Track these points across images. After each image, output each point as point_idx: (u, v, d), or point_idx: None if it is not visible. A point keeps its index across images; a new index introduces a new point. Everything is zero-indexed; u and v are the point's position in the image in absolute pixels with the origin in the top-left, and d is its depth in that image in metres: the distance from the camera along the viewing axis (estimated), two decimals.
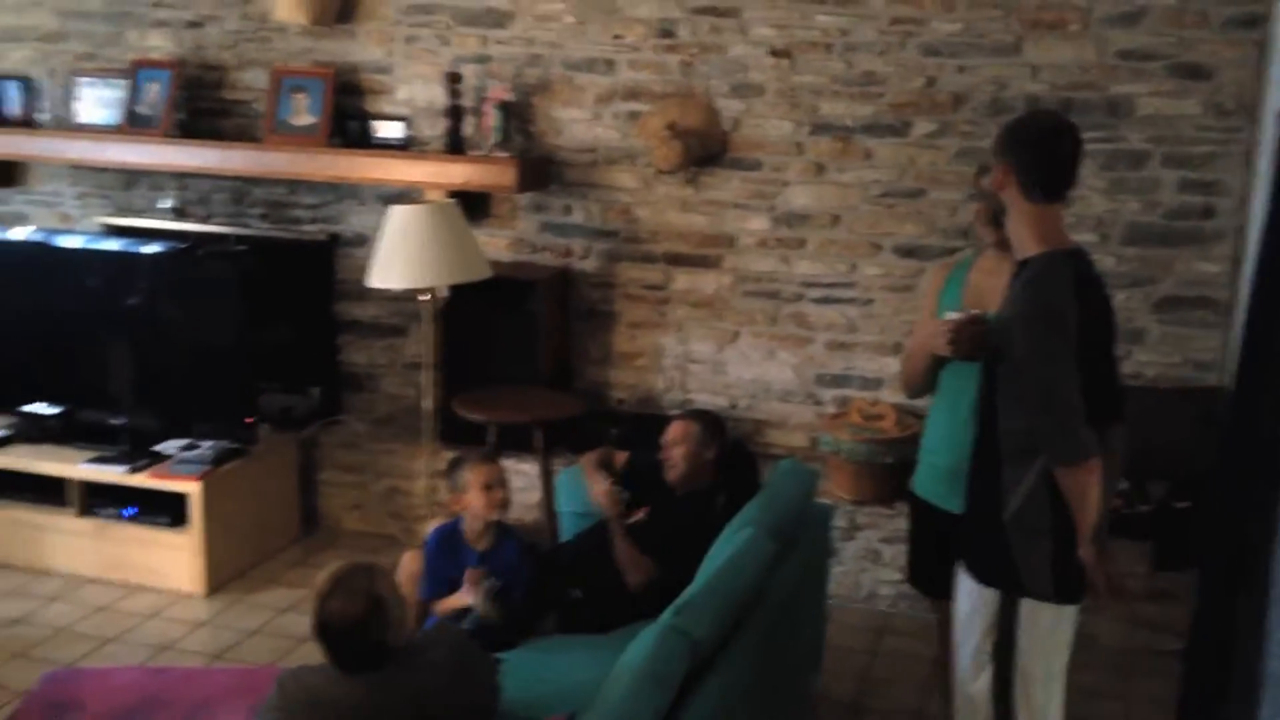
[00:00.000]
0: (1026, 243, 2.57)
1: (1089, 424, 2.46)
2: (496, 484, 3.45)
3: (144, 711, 3.27)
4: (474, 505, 3.44)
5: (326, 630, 2.45)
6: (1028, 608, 2.55)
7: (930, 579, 3.18)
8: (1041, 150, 2.54)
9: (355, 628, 2.43)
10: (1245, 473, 2.59)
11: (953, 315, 2.84)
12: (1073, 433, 2.44)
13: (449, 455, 4.71)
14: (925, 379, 3.07)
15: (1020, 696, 2.59)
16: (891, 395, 4.39)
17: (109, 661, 4.00)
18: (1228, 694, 2.52)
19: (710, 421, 3.77)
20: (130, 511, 4.60)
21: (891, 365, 4.39)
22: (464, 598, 3.37)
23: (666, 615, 2.74)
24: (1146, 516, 3.82)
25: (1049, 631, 2.57)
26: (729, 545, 3.17)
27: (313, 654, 2.59)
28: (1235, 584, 2.54)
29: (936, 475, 3.05)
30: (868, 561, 4.54)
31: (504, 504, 3.47)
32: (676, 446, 3.67)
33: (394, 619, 2.49)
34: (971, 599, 2.65)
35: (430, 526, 3.92)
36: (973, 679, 2.66)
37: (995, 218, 2.79)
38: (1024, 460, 2.52)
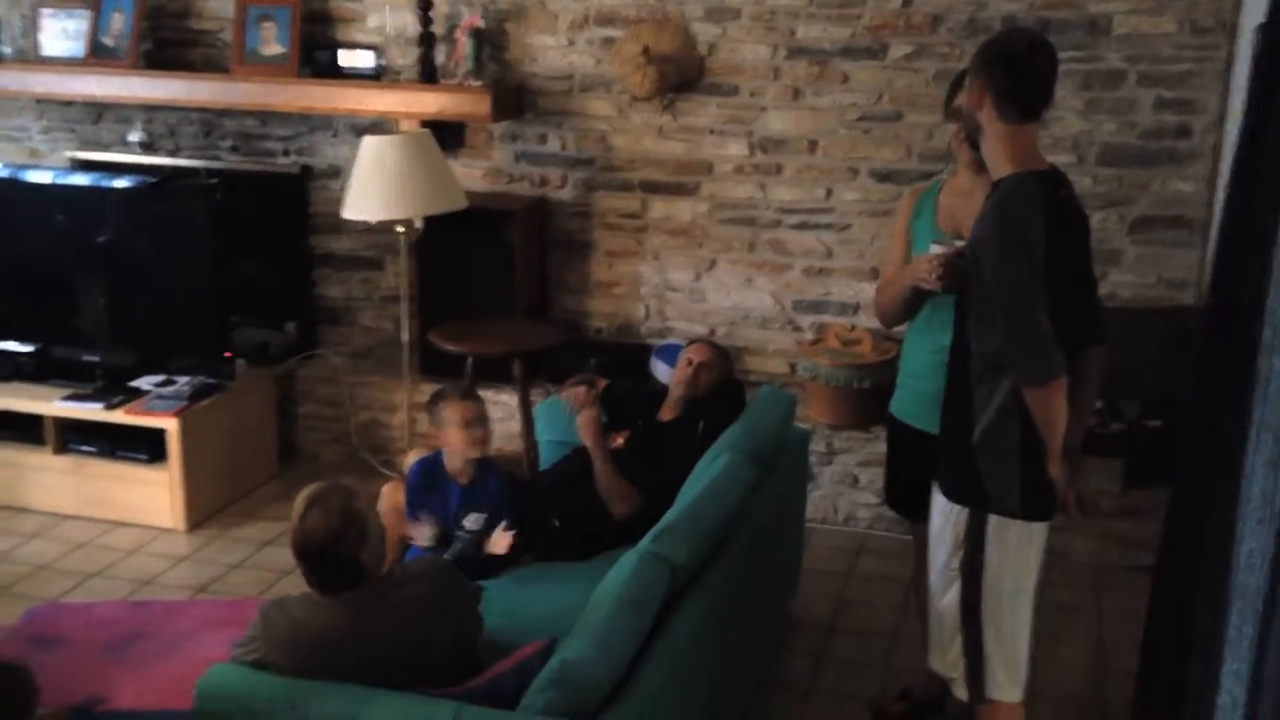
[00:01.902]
0: (1000, 163, 2.56)
1: (1064, 346, 2.46)
2: (475, 422, 3.43)
3: (127, 644, 3.30)
4: (452, 442, 3.43)
5: (304, 547, 2.47)
6: (996, 524, 2.58)
7: (907, 500, 3.21)
8: (1016, 69, 2.52)
9: (331, 542, 2.45)
10: (1215, 390, 2.61)
11: (938, 248, 2.82)
12: (1039, 354, 2.44)
13: (427, 388, 4.72)
14: (905, 310, 3.05)
15: (988, 611, 2.63)
16: (869, 320, 4.39)
17: (91, 597, 4.01)
18: (1197, 607, 2.56)
19: (722, 349, 3.88)
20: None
21: (868, 290, 4.38)
22: (414, 533, 3.39)
23: (646, 541, 2.77)
24: (1119, 435, 3.85)
25: (1017, 548, 2.60)
26: (708, 471, 3.20)
27: (296, 586, 2.61)
28: (1205, 499, 2.57)
29: (921, 400, 3.04)
30: (845, 485, 4.58)
31: (483, 442, 3.46)
32: (708, 371, 3.72)
33: (371, 537, 2.52)
34: (942, 516, 2.68)
35: (410, 458, 3.93)
36: (942, 594, 2.70)
37: (971, 138, 2.77)
38: (994, 380, 2.53)
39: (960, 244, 2.78)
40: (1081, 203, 2.69)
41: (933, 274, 2.78)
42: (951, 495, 2.66)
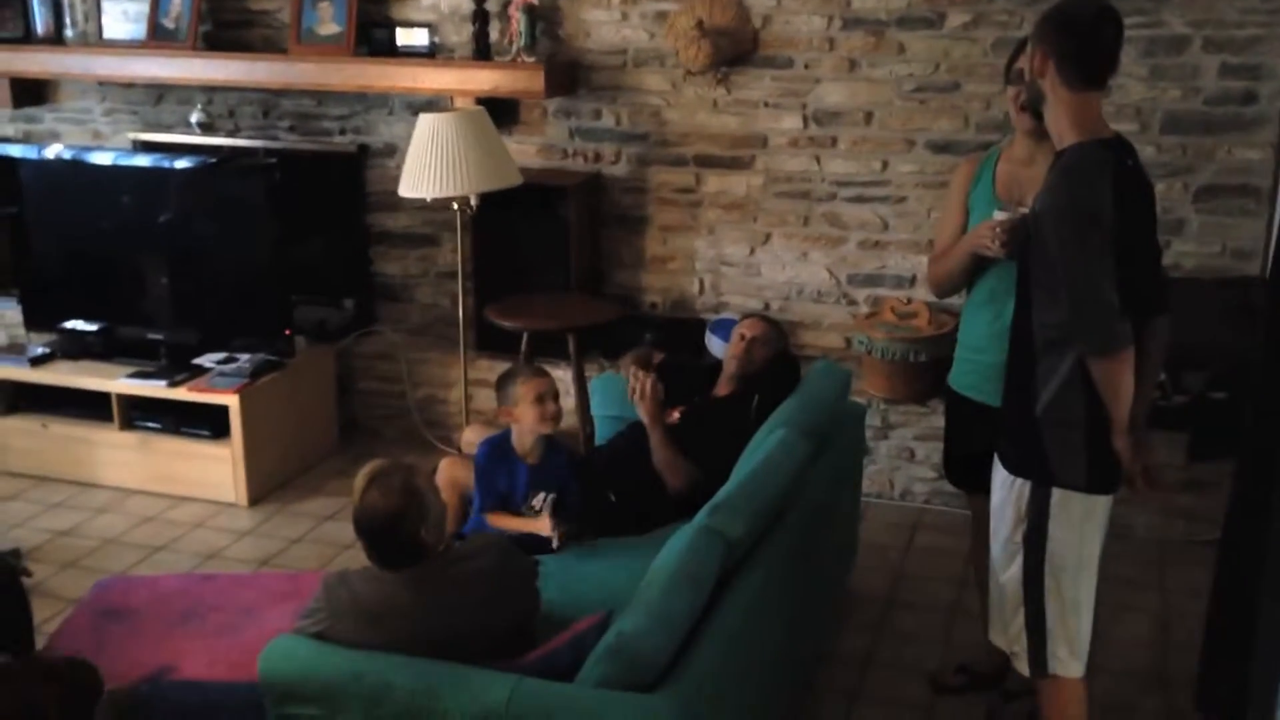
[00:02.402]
0: (1064, 132, 2.52)
1: (1129, 316, 2.43)
2: (549, 396, 3.42)
3: (194, 616, 3.36)
4: (526, 419, 3.41)
5: (364, 523, 2.51)
6: (1059, 497, 2.55)
7: (966, 474, 3.19)
8: (1082, 36, 2.48)
9: (392, 520, 2.48)
10: None
11: (1001, 215, 2.80)
12: (1106, 325, 2.41)
13: (484, 364, 4.76)
14: (962, 279, 3.05)
15: (1050, 585, 2.61)
16: (925, 293, 4.35)
17: (158, 570, 4.10)
18: (1262, 581, 2.52)
19: (776, 324, 3.87)
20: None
21: (925, 263, 4.33)
22: (536, 527, 3.34)
23: (701, 515, 2.77)
24: (1183, 407, 3.79)
25: (1080, 521, 2.57)
26: (763, 446, 3.19)
27: (356, 560, 2.65)
28: (1271, 472, 2.53)
29: (981, 372, 3.04)
30: (901, 459, 4.55)
31: (556, 417, 3.45)
32: (761, 346, 3.72)
33: (431, 514, 2.54)
34: (1004, 489, 2.66)
35: (467, 434, 3.96)
36: (1004, 568, 2.68)
37: (1034, 105, 2.72)
38: (1058, 352, 2.50)
39: (1024, 211, 2.76)
40: (1146, 171, 2.65)
41: (996, 240, 2.77)
42: (1014, 468, 2.63)
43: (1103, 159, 2.46)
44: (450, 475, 3.61)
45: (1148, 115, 4.03)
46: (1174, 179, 4.04)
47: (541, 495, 3.42)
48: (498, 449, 3.48)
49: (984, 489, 2.87)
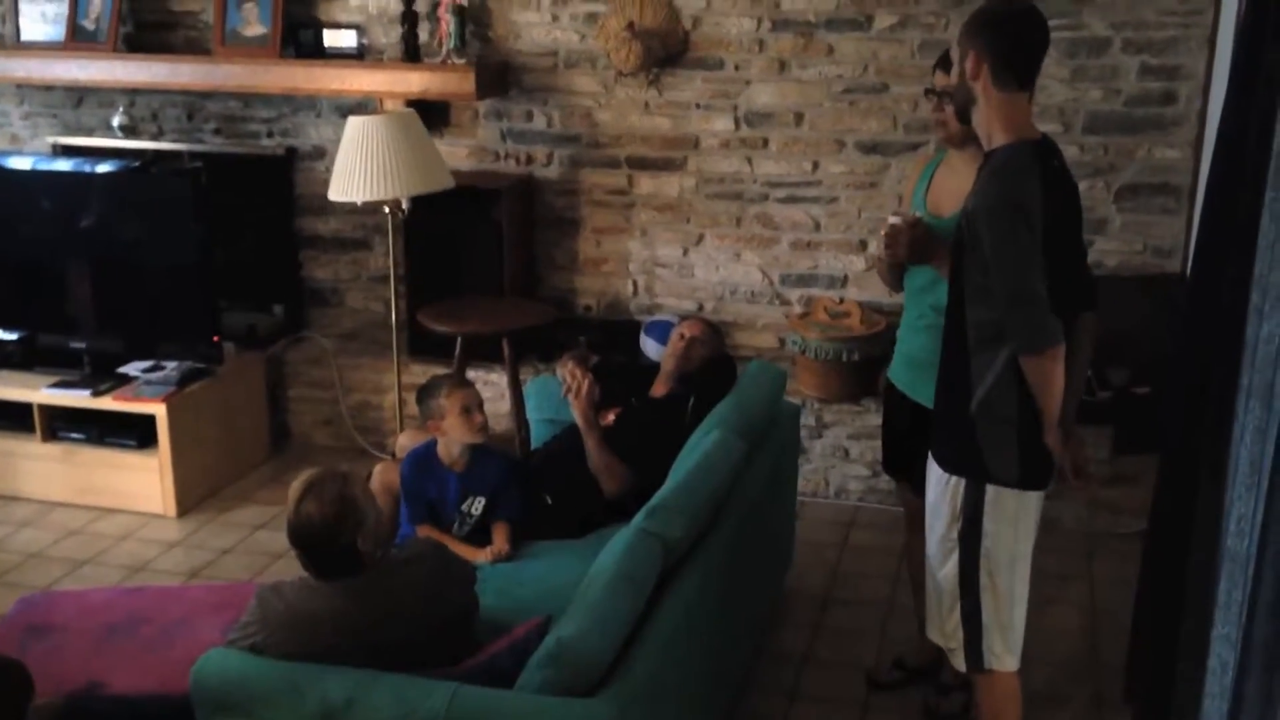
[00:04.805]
0: (995, 133, 2.55)
1: (1058, 313, 2.47)
2: (475, 407, 3.41)
3: (123, 630, 3.29)
4: (454, 432, 3.40)
5: (300, 534, 2.47)
6: (993, 494, 2.59)
7: (902, 465, 3.24)
8: (1014, 35, 2.51)
9: (327, 531, 2.44)
10: (1203, 357, 2.62)
11: (892, 219, 2.89)
12: (1038, 322, 2.45)
13: (417, 369, 4.72)
14: (891, 275, 3.17)
15: (985, 581, 2.64)
16: (857, 293, 4.40)
17: (84, 584, 4.01)
18: (1187, 573, 2.58)
19: (715, 327, 3.90)
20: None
21: (856, 263, 4.40)
22: (470, 554, 3.28)
23: (639, 518, 2.77)
24: (1107, 402, 3.87)
25: (1014, 517, 2.61)
26: (699, 447, 3.20)
27: (288, 570, 2.61)
28: (1194, 465, 2.58)
29: (904, 363, 3.16)
30: (836, 458, 4.59)
31: (484, 427, 3.44)
32: (701, 346, 3.73)
33: (368, 523, 2.50)
34: (939, 486, 2.69)
35: (402, 440, 3.93)
36: (940, 565, 2.71)
37: (963, 111, 2.74)
38: (991, 350, 2.53)
39: (913, 216, 2.91)
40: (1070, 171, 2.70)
41: (881, 243, 2.87)
42: (948, 466, 2.66)
43: (1032, 159, 2.50)
44: (385, 479, 3.58)
45: (1070, 116, 4.10)
46: (1096, 178, 4.12)
47: (474, 500, 3.41)
48: (422, 461, 3.46)
49: (914, 480, 2.91)
